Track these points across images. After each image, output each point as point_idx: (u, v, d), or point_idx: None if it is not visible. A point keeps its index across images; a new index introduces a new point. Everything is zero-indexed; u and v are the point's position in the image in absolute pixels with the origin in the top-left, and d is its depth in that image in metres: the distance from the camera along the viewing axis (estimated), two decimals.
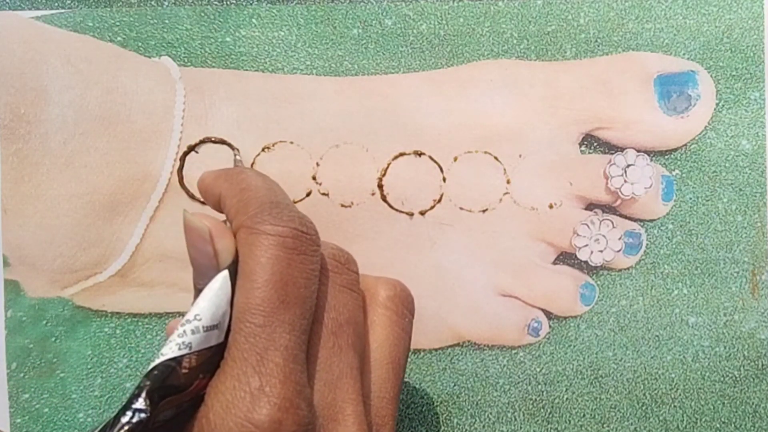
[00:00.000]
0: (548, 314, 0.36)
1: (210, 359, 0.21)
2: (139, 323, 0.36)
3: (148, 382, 0.20)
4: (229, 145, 0.35)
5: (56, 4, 0.35)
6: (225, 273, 0.22)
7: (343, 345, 0.23)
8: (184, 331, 0.21)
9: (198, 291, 0.23)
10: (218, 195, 0.25)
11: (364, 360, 0.24)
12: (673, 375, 0.36)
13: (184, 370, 0.20)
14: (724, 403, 0.36)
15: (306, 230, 0.23)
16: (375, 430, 0.24)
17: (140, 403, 0.19)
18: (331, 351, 0.23)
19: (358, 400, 0.23)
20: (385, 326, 0.26)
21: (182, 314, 0.21)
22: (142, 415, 0.19)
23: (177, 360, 0.20)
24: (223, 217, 0.25)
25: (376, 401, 0.24)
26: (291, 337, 0.21)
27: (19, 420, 0.35)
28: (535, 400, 0.36)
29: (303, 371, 0.21)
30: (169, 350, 0.20)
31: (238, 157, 0.35)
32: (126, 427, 0.19)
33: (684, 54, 0.36)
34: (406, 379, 0.36)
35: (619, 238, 0.36)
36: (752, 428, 0.36)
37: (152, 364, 0.20)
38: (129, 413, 0.19)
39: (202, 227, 0.23)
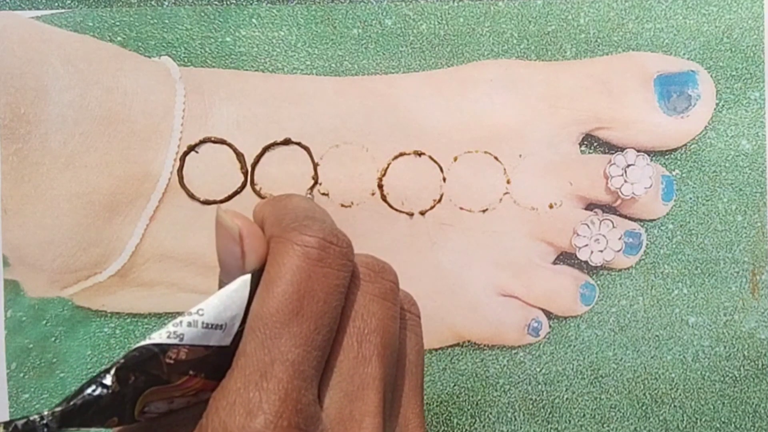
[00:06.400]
0: (548, 314, 0.36)
1: (206, 359, 0.21)
2: (139, 323, 0.36)
3: (122, 360, 0.19)
4: (231, 146, 0.35)
5: (56, 4, 0.35)
6: (246, 277, 0.21)
7: (368, 355, 0.22)
8: (180, 322, 0.20)
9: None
10: (261, 219, 0.24)
11: (394, 371, 0.24)
12: (673, 375, 0.36)
13: (168, 360, 0.20)
14: (724, 403, 0.36)
15: (336, 242, 0.22)
16: None
17: (107, 379, 0.19)
18: (354, 361, 0.22)
19: (378, 413, 0.22)
20: (411, 336, 0.25)
21: (181, 314, 0.21)
22: (105, 390, 0.19)
23: (162, 347, 0.20)
24: None
25: (403, 413, 0.24)
26: (300, 351, 0.20)
27: None
28: (535, 400, 0.36)
29: (309, 388, 0.21)
30: (158, 336, 0.20)
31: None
32: (86, 398, 0.19)
33: (684, 54, 0.36)
34: None
35: (619, 238, 0.36)
36: (752, 428, 0.36)
37: (135, 345, 0.20)
38: (94, 386, 0.19)
39: (233, 226, 0.22)
